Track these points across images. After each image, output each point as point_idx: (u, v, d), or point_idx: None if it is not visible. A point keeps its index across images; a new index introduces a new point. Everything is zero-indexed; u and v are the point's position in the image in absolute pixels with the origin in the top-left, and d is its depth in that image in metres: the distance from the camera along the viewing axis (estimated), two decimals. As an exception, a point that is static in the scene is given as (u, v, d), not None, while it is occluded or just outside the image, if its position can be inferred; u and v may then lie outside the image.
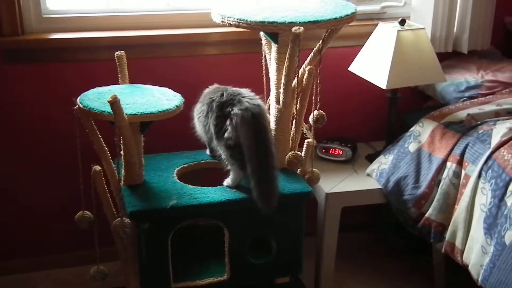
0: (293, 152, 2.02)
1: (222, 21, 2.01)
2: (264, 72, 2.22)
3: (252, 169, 1.83)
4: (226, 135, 1.87)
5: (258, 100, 1.90)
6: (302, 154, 2.06)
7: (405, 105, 2.52)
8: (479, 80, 2.45)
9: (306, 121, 2.13)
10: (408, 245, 2.67)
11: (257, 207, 1.85)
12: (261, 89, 2.22)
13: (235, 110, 1.84)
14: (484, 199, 1.95)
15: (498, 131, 2.06)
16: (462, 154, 2.09)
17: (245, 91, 1.92)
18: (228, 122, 1.87)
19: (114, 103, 1.75)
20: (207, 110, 1.94)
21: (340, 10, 2.02)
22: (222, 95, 1.91)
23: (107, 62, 2.18)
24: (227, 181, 1.97)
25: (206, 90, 2.02)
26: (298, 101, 2.03)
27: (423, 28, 2.31)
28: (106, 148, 1.92)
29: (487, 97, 2.37)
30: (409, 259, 2.64)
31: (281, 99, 2.02)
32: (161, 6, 2.42)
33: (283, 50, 1.97)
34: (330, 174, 2.32)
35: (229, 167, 1.95)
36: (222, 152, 1.92)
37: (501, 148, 1.99)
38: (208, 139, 2.01)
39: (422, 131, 2.25)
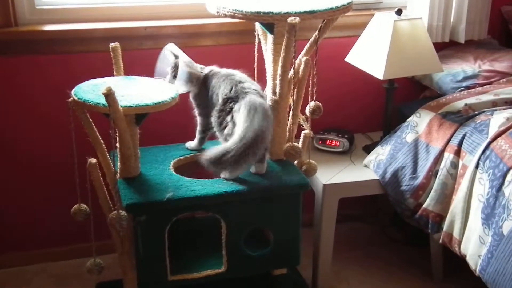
0: (290, 143, 2.01)
1: (217, 12, 1.99)
2: (256, 63, 2.20)
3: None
4: (225, 131, 1.88)
5: (261, 99, 1.90)
6: (299, 145, 2.05)
7: (402, 96, 2.52)
8: (476, 70, 2.45)
9: (303, 112, 2.12)
10: (406, 236, 2.67)
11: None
12: (256, 80, 2.21)
13: (236, 107, 1.86)
14: (481, 190, 1.95)
15: (496, 121, 2.05)
16: (460, 145, 2.09)
17: (253, 89, 1.91)
18: (229, 119, 1.87)
19: (109, 95, 1.73)
20: (214, 101, 1.95)
21: (336, 0, 2.01)
22: (231, 90, 1.91)
23: (101, 53, 2.16)
24: (225, 173, 1.96)
25: (219, 74, 2.00)
26: (295, 92, 2.02)
27: (420, 18, 2.30)
28: (101, 141, 1.91)
29: (484, 87, 2.37)
30: (406, 250, 2.64)
31: (277, 90, 2.01)
32: (155, -3, 2.41)
33: (279, 40, 1.96)
34: (327, 165, 2.32)
35: None
36: (222, 143, 1.92)
37: (499, 138, 1.98)
38: (207, 124, 2.04)
39: (419, 122, 2.25)
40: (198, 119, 2.10)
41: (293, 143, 2.02)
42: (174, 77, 2.02)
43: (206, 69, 2.07)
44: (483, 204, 1.92)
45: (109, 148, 1.90)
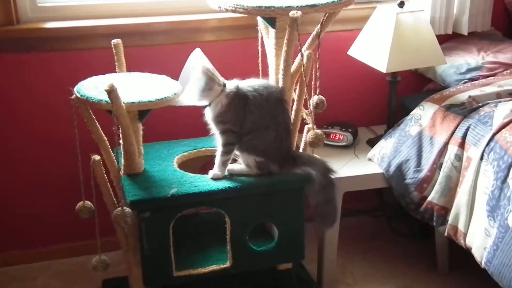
0: (313, 132, 1.99)
1: (219, 7, 1.98)
2: (260, 58, 2.20)
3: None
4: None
5: None
6: (303, 140, 2.04)
7: (405, 89, 2.51)
8: (480, 61, 2.43)
9: (306, 107, 2.12)
10: (411, 229, 2.66)
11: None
12: (261, 75, 2.21)
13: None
14: (486, 182, 1.94)
15: (500, 113, 2.05)
16: (464, 137, 2.08)
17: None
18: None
19: (111, 91, 1.73)
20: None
21: (338, -7, 1.99)
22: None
23: (103, 50, 2.16)
24: (232, 168, 1.94)
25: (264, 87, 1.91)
26: (298, 86, 2.01)
27: (422, 10, 2.29)
28: (105, 138, 1.91)
29: (488, 78, 2.36)
30: (411, 243, 2.63)
31: (280, 84, 2.00)
32: (157, -7, 2.40)
33: (281, 35, 1.95)
34: (331, 160, 2.29)
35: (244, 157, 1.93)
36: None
37: (503, 129, 1.97)
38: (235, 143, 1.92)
39: (423, 114, 2.24)
40: (223, 136, 1.88)
41: (315, 131, 1.99)
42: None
43: (232, 84, 1.88)
44: (488, 196, 1.91)
45: (113, 145, 1.90)
